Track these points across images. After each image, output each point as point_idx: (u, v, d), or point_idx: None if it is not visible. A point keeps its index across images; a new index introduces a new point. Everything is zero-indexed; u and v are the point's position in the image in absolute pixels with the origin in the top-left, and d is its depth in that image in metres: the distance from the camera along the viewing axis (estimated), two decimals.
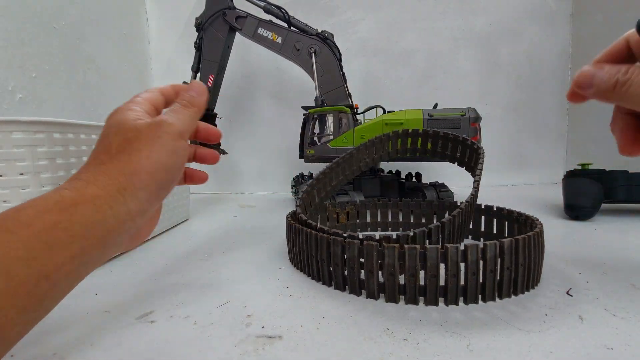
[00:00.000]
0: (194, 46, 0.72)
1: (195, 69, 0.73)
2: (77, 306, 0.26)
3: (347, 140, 0.56)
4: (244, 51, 0.84)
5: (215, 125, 0.78)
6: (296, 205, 0.35)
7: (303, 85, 0.85)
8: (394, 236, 0.26)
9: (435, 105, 0.58)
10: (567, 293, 0.26)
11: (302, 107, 0.63)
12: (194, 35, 0.72)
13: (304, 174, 0.76)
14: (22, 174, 0.29)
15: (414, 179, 0.63)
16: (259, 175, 0.93)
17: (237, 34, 0.71)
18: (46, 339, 0.21)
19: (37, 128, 0.29)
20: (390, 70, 0.89)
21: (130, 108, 0.23)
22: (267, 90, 0.90)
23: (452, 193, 0.55)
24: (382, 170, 0.69)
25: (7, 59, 0.51)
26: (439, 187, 0.55)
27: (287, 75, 0.88)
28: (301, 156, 0.63)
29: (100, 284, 0.30)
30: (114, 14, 0.76)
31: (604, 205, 0.52)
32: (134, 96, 0.24)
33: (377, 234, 0.27)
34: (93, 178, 0.20)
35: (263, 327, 0.22)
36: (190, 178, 0.28)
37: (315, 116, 0.60)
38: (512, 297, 0.25)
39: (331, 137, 0.57)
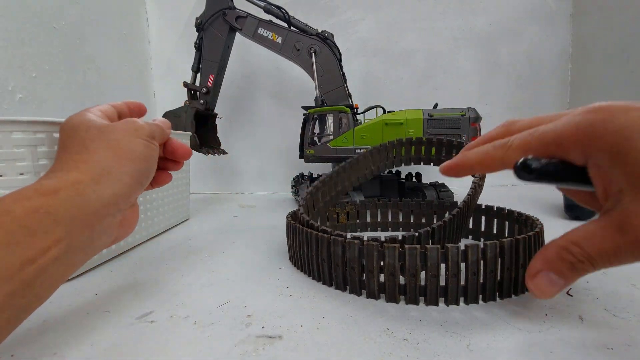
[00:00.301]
0: (194, 46, 0.72)
1: (196, 69, 0.73)
2: (77, 306, 0.26)
3: (347, 140, 0.56)
4: (244, 51, 0.84)
5: (216, 126, 0.78)
6: (299, 206, 0.35)
7: (303, 85, 0.85)
8: (399, 237, 0.26)
9: (435, 105, 0.58)
10: (567, 293, 0.26)
11: (302, 107, 0.63)
12: (194, 35, 0.72)
13: (304, 174, 0.76)
14: (22, 174, 0.29)
15: (414, 179, 0.63)
16: (259, 175, 0.93)
17: (237, 34, 0.71)
18: (46, 338, 0.21)
19: (37, 128, 0.29)
20: (390, 70, 0.89)
21: (89, 112, 0.23)
22: (267, 90, 0.90)
23: (452, 193, 0.55)
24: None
25: (7, 59, 0.51)
26: (439, 187, 0.55)
27: (287, 75, 0.88)
28: (301, 156, 0.63)
29: (100, 284, 0.30)
30: (114, 14, 0.76)
31: None
32: (86, 109, 0.24)
33: (381, 235, 0.27)
34: (74, 166, 0.20)
35: (263, 327, 0.22)
36: (156, 181, 0.28)
37: (315, 116, 0.60)
38: (513, 297, 0.25)
39: (331, 137, 0.57)
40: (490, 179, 0.93)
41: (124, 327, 0.23)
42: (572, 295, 0.26)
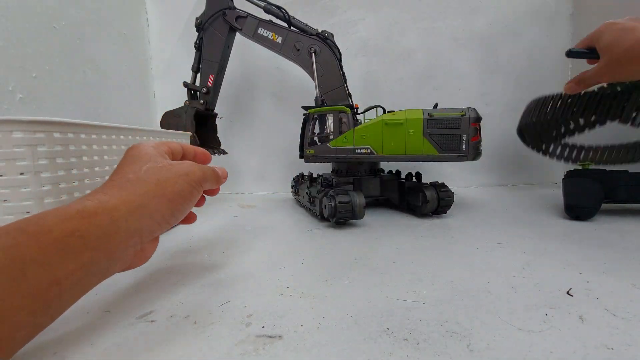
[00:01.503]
0: (194, 46, 0.72)
1: (196, 69, 0.73)
2: (77, 306, 0.26)
3: (347, 140, 0.56)
4: (244, 51, 0.84)
5: (216, 126, 0.78)
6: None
7: (303, 85, 0.85)
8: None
9: (436, 105, 0.57)
10: (568, 293, 0.26)
11: (302, 107, 0.63)
12: (194, 35, 0.72)
13: (304, 174, 0.76)
14: (22, 173, 0.29)
15: (414, 179, 0.63)
16: (259, 175, 0.93)
17: (237, 34, 0.71)
18: (46, 338, 0.21)
19: (37, 127, 0.29)
20: (390, 70, 0.89)
21: (156, 149, 0.26)
22: (267, 90, 0.90)
23: (452, 193, 0.55)
24: (382, 170, 0.69)
25: (7, 59, 0.51)
26: (439, 187, 0.55)
27: (287, 75, 0.88)
28: (301, 156, 0.63)
29: (100, 284, 0.30)
30: (114, 14, 0.76)
31: (604, 205, 0.52)
32: (156, 144, 0.27)
33: None
34: (117, 193, 0.21)
35: (263, 327, 0.22)
36: (186, 219, 0.31)
37: (316, 116, 0.60)
38: (513, 297, 0.25)
39: (331, 137, 0.57)
40: (491, 179, 0.93)
41: (124, 326, 0.23)
42: (572, 295, 0.26)
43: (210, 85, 0.71)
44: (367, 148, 0.55)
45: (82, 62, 0.66)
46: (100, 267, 0.20)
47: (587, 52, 0.46)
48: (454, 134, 0.52)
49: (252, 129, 0.92)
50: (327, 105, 0.61)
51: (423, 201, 0.53)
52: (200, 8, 0.71)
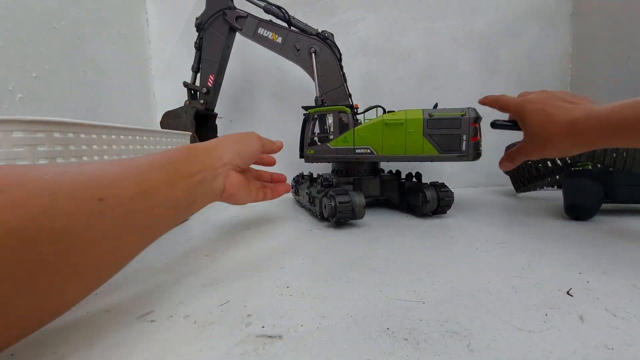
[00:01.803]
0: (194, 46, 0.72)
1: (196, 69, 0.73)
2: (77, 305, 0.26)
3: (347, 140, 0.56)
4: (244, 51, 0.84)
5: (216, 126, 0.78)
6: None
7: (303, 85, 0.85)
8: None
9: (436, 105, 0.57)
10: (568, 293, 0.26)
11: (303, 107, 0.63)
12: (194, 35, 0.72)
13: (304, 174, 0.76)
14: None
15: (414, 179, 0.63)
16: None
17: (237, 34, 0.71)
18: (46, 338, 0.21)
19: (37, 127, 0.29)
20: (390, 70, 0.89)
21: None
22: (267, 90, 0.90)
23: (452, 193, 0.55)
24: (382, 170, 0.69)
25: (8, 59, 0.51)
26: (439, 187, 0.54)
27: (287, 75, 0.88)
28: (301, 156, 0.63)
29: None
30: (114, 14, 0.76)
31: (604, 205, 0.52)
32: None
33: None
34: (211, 143, 0.35)
35: (263, 327, 0.22)
36: (261, 160, 0.47)
37: (316, 116, 0.60)
38: (513, 297, 0.25)
39: (331, 137, 0.57)
40: (491, 179, 0.93)
41: (124, 326, 0.23)
42: (572, 295, 0.26)
43: (210, 85, 0.71)
44: (367, 148, 0.55)
45: (82, 62, 0.66)
46: (205, 181, 0.31)
47: (511, 124, 0.47)
48: (454, 134, 0.52)
49: (252, 129, 0.91)
50: (327, 105, 0.61)
51: (423, 201, 0.53)
52: (200, 8, 0.71)
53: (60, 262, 0.16)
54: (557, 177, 0.70)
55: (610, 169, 0.53)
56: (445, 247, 0.39)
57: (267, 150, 0.44)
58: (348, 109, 0.57)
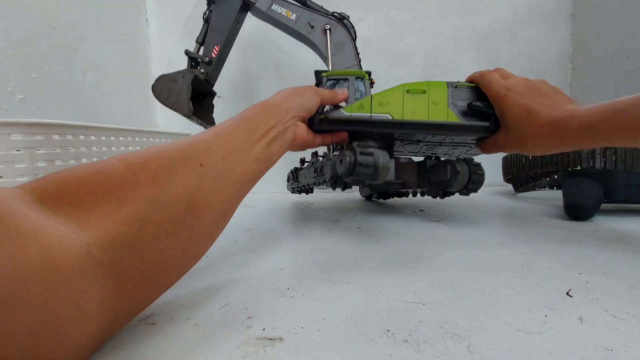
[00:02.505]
0: (202, 18, 0.68)
1: (201, 41, 0.68)
2: None
3: (363, 107, 0.47)
4: (244, 51, 0.84)
5: (212, 106, 0.73)
6: None
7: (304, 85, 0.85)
8: None
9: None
10: (567, 294, 0.26)
11: (315, 72, 0.56)
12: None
13: (305, 159, 0.70)
14: (21, 175, 0.29)
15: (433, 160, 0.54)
16: None
17: (248, 15, 0.68)
18: None
19: (36, 130, 0.29)
20: (390, 70, 0.89)
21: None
22: (268, 90, 0.90)
23: (484, 172, 0.47)
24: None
25: (7, 59, 0.51)
26: (469, 161, 0.47)
27: (287, 75, 0.88)
28: (310, 126, 0.53)
29: None
30: (114, 14, 0.76)
31: (604, 205, 0.52)
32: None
33: None
34: (277, 96, 0.38)
35: (264, 329, 0.22)
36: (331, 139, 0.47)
37: (329, 81, 0.51)
38: (512, 297, 0.25)
39: (345, 104, 0.48)
40: (491, 179, 0.93)
41: (124, 329, 0.23)
42: (572, 296, 0.26)
43: (214, 56, 0.66)
44: (386, 116, 0.47)
45: (82, 62, 0.66)
46: (278, 129, 0.33)
47: (490, 112, 0.43)
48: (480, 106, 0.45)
49: None
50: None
51: (452, 173, 0.46)
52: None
53: (190, 217, 0.21)
54: (556, 177, 0.69)
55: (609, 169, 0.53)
56: (445, 247, 0.39)
57: (327, 102, 0.45)
58: (366, 74, 0.51)
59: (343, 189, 0.46)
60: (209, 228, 0.24)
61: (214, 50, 0.66)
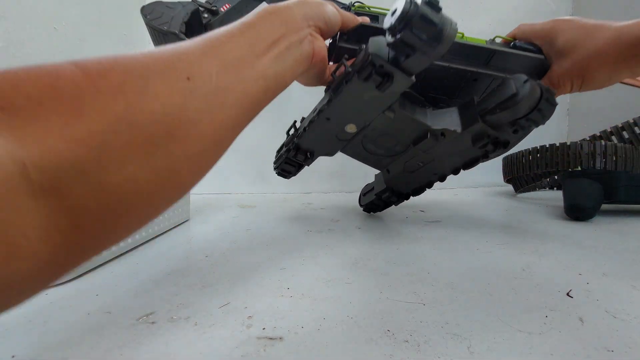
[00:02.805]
0: None
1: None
2: (77, 307, 0.26)
3: None
4: None
5: None
6: None
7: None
8: None
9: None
10: (568, 294, 0.26)
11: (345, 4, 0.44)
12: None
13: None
14: None
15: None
16: (259, 175, 0.93)
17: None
18: (47, 339, 0.21)
19: None
20: None
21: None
22: None
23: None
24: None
25: (7, 59, 0.51)
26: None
27: None
28: (330, 58, 0.41)
29: (100, 285, 0.30)
30: (114, 15, 0.76)
31: (604, 206, 0.52)
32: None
33: None
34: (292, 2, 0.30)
35: (264, 329, 0.22)
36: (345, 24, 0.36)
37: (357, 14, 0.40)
38: (513, 298, 0.25)
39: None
40: (491, 179, 0.93)
41: (124, 328, 0.23)
42: (572, 297, 0.26)
43: (223, 10, 0.61)
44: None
45: None
46: (290, 40, 0.27)
47: (534, 49, 0.39)
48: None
49: (252, 129, 0.91)
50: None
51: (519, 85, 0.33)
52: None
53: (168, 142, 0.17)
54: (556, 177, 0.69)
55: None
56: (445, 248, 0.39)
57: (349, 25, 0.36)
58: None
59: (382, 77, 0.32)
60: (196, 157, 0.19)
61: (225, 6, 0.62)
